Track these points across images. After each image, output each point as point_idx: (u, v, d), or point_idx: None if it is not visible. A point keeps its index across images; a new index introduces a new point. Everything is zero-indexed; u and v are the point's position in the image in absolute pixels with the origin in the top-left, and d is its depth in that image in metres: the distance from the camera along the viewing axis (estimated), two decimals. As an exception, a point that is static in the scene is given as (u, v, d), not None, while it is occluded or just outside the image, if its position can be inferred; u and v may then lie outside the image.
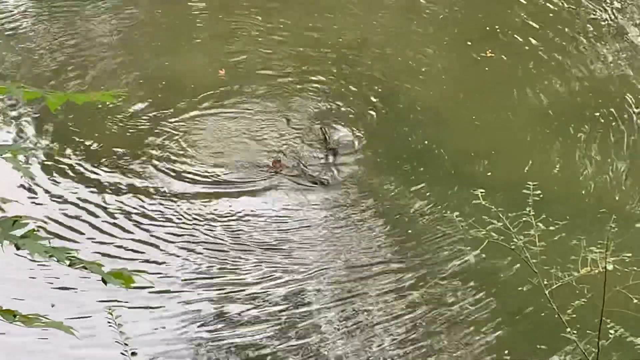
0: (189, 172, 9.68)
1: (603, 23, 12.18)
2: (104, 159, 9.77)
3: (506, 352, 7.75)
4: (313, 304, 8.23)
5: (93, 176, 9.56)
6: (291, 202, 9.41)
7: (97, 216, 9.06)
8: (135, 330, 7.01)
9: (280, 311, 8.14)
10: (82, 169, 9.64)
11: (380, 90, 10.92)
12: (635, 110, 10.57)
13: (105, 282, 3.38)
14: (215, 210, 9.23)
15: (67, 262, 3.28)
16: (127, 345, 4.24)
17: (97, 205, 9.20)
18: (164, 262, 8.57)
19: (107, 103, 9.73)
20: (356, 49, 11.59)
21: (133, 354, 4.27)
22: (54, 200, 9.24)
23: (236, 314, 8.05)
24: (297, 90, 10.96)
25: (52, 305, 7.94)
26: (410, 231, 9.01)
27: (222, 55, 11.48)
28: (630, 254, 5.23)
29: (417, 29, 12.02)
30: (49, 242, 3.28)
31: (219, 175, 9.69)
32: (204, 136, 10.23)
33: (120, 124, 10.27)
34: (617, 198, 9.32)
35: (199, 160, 9.85)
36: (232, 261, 8.62)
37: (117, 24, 12.21)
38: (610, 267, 4.97)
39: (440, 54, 11.53)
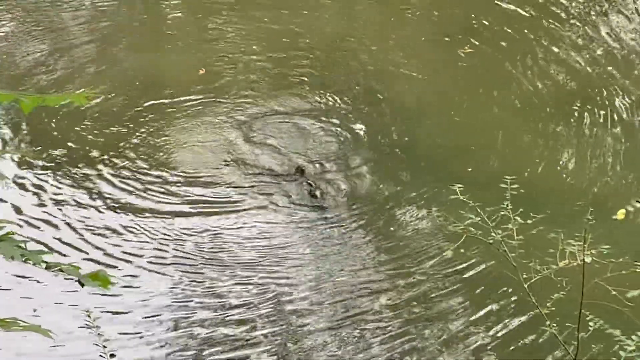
0: (166, 181, 9.50)
1: (581, 18, 12.22)
2: (78, 163, 9.65)
3: (489, 348, 7.77)
4: (294, 295, 8.22)
5: (67, 181, 9.44)
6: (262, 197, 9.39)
7: (67, 225, 8.92)
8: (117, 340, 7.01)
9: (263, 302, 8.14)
10: (55, 173, 9.51)
11: (359, 88, 10.92)
12: (613, 105, 10.62)
13: (82, 284, 3.37)
14: (193, 224, 9.01)
15: (44, 265, 3.27)
16: (105, 347, 4.24)
17: (68, 212, 9.09)
18: (136, 275, 8.44)
19: (81, 105, 9.68)
20: (334, 47, 11.58)
21: (112, 355, 4.26)
22: (27, 205, 9.13)
23: (223, 327, 7.98)
24: (276, 89, 10.92)
25: (34, 310, 7.92)
26: (391, 228, 9.01)
27: (201, 55, 11.42)
28: (608, 246, 5.24)
29: (395, 26, 12.03)
30: (25, 246, 3.28)
31: (198, 184, 9.49)
32: (183, 141, 10.10)
33: (95, 127, 10.14)
34: (595, 191, 9.36)
35: (177, 168, 9.67)
36: (217, 276, 8.48)
37: (92, 23, 12.16)
38: (588, 259, 4.97)
39: (418, 51, 11.54)
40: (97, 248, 8.65)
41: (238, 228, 8.99)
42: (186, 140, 10.10)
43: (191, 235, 8.86)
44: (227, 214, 9.15)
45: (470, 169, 9.62)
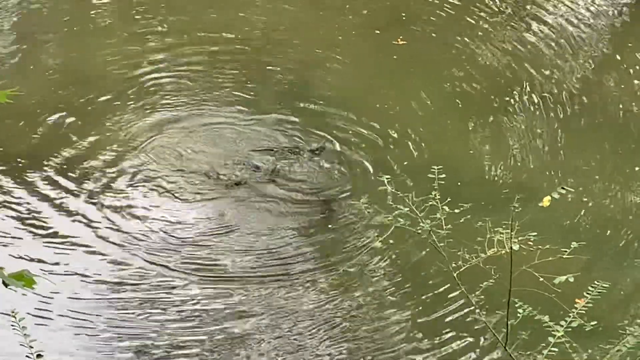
0: (97, 190, 9.26)
1: (510, 9, 12.34)
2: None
3: (419, 336, 7.83)
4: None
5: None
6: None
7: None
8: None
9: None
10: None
11: (291, 82, 10.89)
12: (541, 95, 10.75)
13: (5, 284, 3.33)
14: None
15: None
16: (32, 347, 4.19)
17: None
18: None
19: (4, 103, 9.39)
20: (264, 41, 11.54)
21: (39, 356, 4.22)
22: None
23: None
24: (208, 87, 10.78)
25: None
26: (321, 220, 9.04)
27: (132, 54, 11.23)
28: (535, 233, 5.30)
29: (325, 19, 12.03)
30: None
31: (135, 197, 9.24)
32: (115, 146, 9.84)
33: (21, 129, 9.88)
34: (521, 179, 9.48)
35: (110, 178, 9.42)
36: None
37: (19, 18, 11.97)
38: (516, 247, 5.02)
39: (349, 43, 11.54)
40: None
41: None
42: (116, 150, 9.82)
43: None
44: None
45: (406, 163, 9.63)
